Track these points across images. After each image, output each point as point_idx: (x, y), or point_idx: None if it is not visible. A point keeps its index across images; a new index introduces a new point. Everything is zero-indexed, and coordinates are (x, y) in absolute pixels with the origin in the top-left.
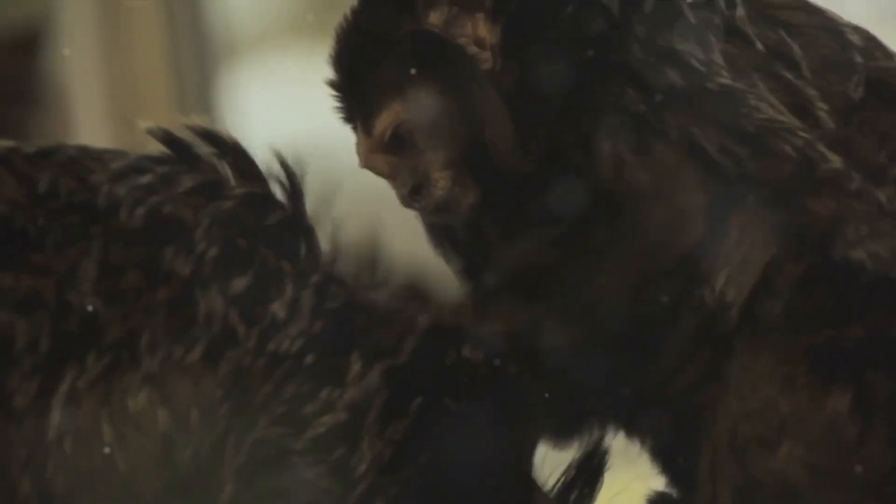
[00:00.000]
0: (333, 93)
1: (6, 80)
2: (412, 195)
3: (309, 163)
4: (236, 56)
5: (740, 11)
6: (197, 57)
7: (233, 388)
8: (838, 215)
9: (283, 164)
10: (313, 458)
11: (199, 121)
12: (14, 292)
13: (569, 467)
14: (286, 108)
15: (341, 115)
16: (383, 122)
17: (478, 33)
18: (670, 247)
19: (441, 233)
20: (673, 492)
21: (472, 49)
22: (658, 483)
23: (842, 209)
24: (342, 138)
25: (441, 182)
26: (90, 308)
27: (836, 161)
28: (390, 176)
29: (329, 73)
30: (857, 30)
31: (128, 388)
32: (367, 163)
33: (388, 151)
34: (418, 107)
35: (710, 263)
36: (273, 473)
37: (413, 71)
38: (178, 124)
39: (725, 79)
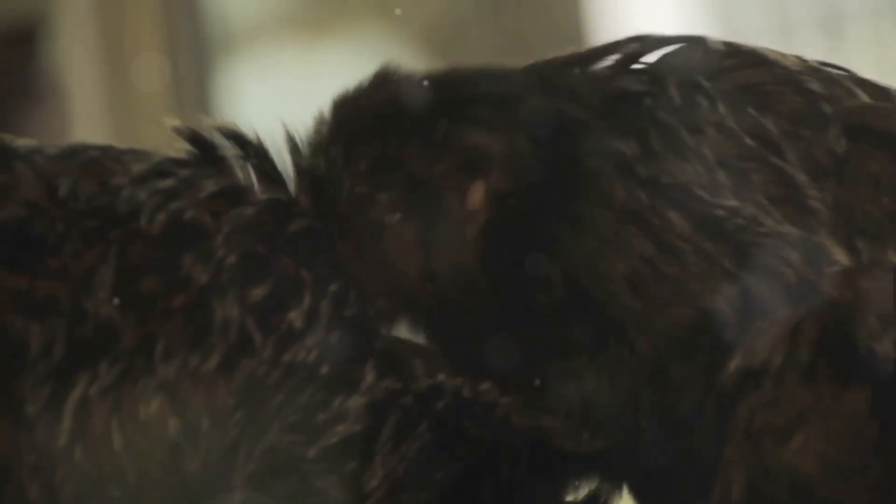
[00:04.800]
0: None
1: (4, 74)
2: None
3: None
4: (234, 50)
5: (722, 108)
6: (195, 51)
7: (246, 397)
8: (856, 303)
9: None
10: (325, 468)
11: (226, 121)
12: (29, 297)
13: None
14: (284, 103)
15: None
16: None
17: (473, 201)
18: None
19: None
20: None
21: (462, 213)
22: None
23: (858, 296)
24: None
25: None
26: (106, 314)
27: (839, 253)
28: None
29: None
30: (812, 71)
31: (140, 396)
32: None
33: None
34: (398, 245)
35: (729, 342)
36: (284, 482)
37: (401, 205)
38: (205, 124)
39: (731, 200)
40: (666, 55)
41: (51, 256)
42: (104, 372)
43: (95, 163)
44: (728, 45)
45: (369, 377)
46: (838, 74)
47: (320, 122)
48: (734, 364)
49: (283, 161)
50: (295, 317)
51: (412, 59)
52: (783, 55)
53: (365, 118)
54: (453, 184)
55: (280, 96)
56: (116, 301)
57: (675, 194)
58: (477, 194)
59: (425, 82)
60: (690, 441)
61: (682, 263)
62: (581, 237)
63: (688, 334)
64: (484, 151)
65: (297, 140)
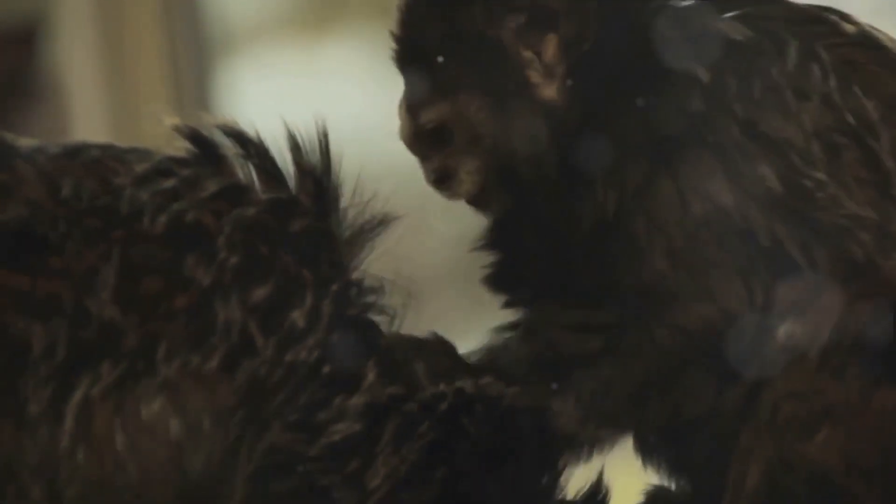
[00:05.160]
0: (394, 46)
1: (4, 73)
2: (437, 183)
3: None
4: (234, 50)
5: (833, 82)
6: (195, 50)
7: (248, 397)
8: None
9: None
10: (327, 466)
11: (227, 119)
12: (32, 297)
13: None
14: (284, 103)
15: (395, 66)
16: (429, 114)
17: (545, 55)
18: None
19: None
20: (670, 485)
21: (535, 68)
22: (653, 477)
23: None
24: (340, 134)
25: (466, 185)
26: (108, 315)
27: None
28: (423, 159)
29: (394, 27)
30: None
31: (142, 397)
32: (404, 139)
33: (426, 141)
34: (466, 115)
35: (775, 310)
36: (286, 480)
37: (470, 76)
38: (206, 121)
39: (821, 174)
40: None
41: (53, 256)
42: (106, 372)
43: (97, 162)
44: (847, 18)
45: (371, 376)
46: None
47: None
48: (783, 329)
49: (284, 160)
50: (297, 317)
51: None
52: (882, 34)
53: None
54: (525, 41)
55: (280, 96)
56: (119, 301)
57: (768, 148)
58: (551, 46)
59: None
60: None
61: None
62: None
63: (712, 329)
64: (546, 3)
65: (298, 139)
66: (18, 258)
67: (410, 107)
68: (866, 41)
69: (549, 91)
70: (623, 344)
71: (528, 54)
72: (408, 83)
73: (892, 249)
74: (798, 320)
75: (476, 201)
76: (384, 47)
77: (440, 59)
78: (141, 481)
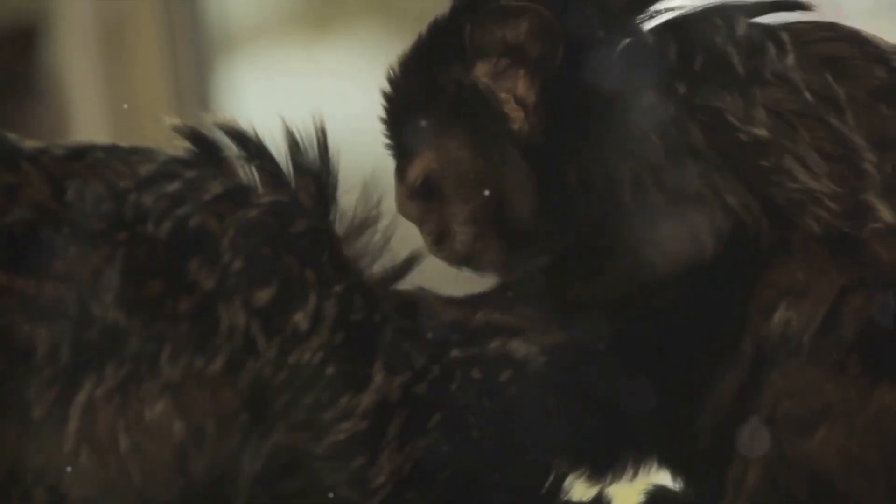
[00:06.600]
0: (383, 113)
1: (4, 72)
2: (435, 244)
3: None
4: (234, 49)
5: (790, 59)
6: (194, 49)
7: (252, 398)
8: None
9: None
10: (332, 465)
11: (227, 119)
12: (36, 300)
13: None
14: (284, 102)
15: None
16: (416, 169)
17: (518, 91)
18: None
19: None
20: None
21: (511, 106)
22: (655, 477)
23: None
24: (340, 133)
25: (461, 236)
26: (112, 318)
27: (885, 212)
28: (419, 223)
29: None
30: None
31: (146, 399)
32: (400, 208)
33: (418, 199)
34: (448, 159)
35: (766, 292)
36: (292, 479)
37: (450, 122)
38: (207, 121)
39: (762, 130)
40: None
41: (57, 259)
42: (110, 375)
43: (102, 164)
44: (832, 23)
45: (378, 378)
46: None
47: None
48: (778, 316)
49: (284, 160)
50: (300, 318)
51: None
52: (883, 39)
53: (417, 55)
54: (499, 81)
55: (280, 95)
56: (123, 304)
57: (702, 113)
58: (522, 81)
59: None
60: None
61: (685, 181)
62: (601, 132)
63: (668, 246)
64: (512, 41)
65: (298, 138)
66: (23, 261)
67: (399, 169)
68: (856, 37)
69: (524, 122)
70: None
71: (503, 93)
72: (396, 149)
73: (867, 219)
74: (791, 306)
75: (468, 257)
76: (384, 47)
77: (422, 116)
78: (144, 483)
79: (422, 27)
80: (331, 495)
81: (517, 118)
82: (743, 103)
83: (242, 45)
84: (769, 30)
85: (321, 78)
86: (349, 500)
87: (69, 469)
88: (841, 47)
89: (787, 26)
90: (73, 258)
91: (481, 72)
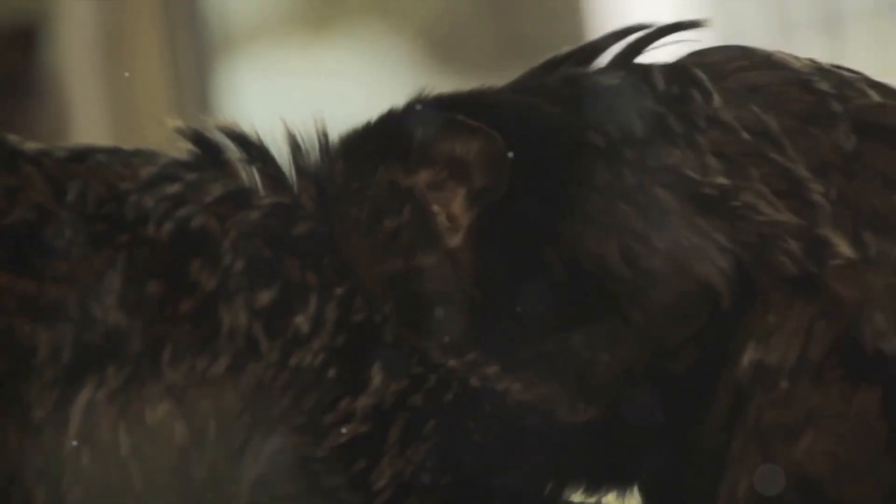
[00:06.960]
0: None
1: (5, 72)
2: None
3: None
4: (234, 49)
5: (717, 100)
6: (195, 49)
7: (253, 401)
8: (863, 300)
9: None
10: (333, 467)
11: (229, 121)
12: (37, 301)
13: None
14: (284, 102)
15: None
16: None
17: (452, 209)
18: (687, 320)
19: None
20: None
21: (443, 221)
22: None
23: (865, 293)
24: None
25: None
26: (113, 319)
27: (842, 245)
28: None
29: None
30: (822, 72)
31: (147, 400)
32: None
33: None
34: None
35: (738, 330)
36: (292, 483)
37: (382, 224)
38: (208, 124)
39: (721, 179)
40: (686, 56)
41: (59, 260)
42: (111, 376)
43: (104, 166)
44: (740, 47)
45: (377, 380)
46: (851, 76)
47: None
48: (747, 358)
49: (285, 161)
50: (301, 321)
51: (412, 59)
52: (796, 58)
53: (361, 143)
54: (434, 194)
55: (280, 95)
56: (124, 306)
57: (662, 175)
58: (458, 199)
59: (417, 105)
60: (700, 436)
61: (674, 237)
62: (571, 220)
63: (683, 304)
64: (459, 157)
65: (299, 140)
66: (24, 262)
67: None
68: (766, 63)
69: (455, 240)
70: (601, 329)
71: (435, 207)
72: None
73: (827, 257)
74: (760, 347)
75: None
76: (384, 47)
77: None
78: (146, 485)
79: (422, 27)
80: (332, 498)
81: (449, 235)
82: (693, 154)
83: (242, 45)
84: (685, 74)
85: (321, 78)
86: (350, 503)
87: (70, 471)
88: (759, 76)
89: (698, 62)
90: (74, 260)
91: (422, 179)
